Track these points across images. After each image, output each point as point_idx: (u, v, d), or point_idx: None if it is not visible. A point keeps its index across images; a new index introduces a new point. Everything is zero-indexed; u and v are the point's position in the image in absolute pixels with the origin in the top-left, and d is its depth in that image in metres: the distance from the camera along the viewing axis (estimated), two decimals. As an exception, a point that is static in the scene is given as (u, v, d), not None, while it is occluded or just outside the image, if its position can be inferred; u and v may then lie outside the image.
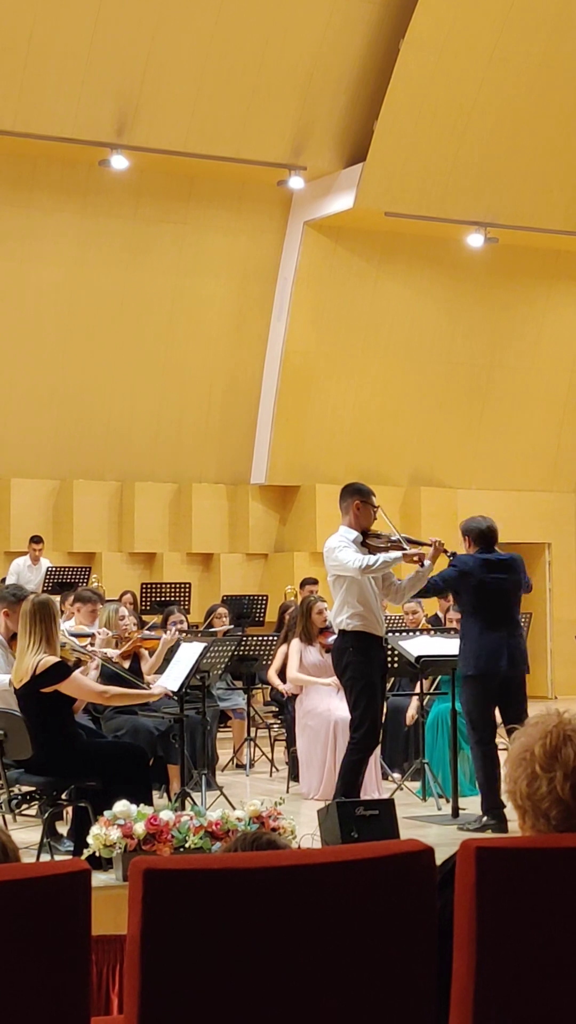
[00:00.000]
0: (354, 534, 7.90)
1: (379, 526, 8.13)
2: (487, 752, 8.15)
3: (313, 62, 15.46)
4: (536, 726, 2.70)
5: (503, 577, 8.35)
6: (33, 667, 6.95)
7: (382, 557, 7.76)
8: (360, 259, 16.75)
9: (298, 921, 2.31)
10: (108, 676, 8.51)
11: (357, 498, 7.97)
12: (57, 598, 9.10)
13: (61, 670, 6.98)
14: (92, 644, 8.77)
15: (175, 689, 8.36)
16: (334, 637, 8.17)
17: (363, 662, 7.77)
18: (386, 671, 8.31)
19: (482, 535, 8.41)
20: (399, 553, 7.82)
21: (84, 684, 7.16)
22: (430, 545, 8.12)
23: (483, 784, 8.16)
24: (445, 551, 8.10)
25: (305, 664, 9.84)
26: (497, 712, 8.36)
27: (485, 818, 8.08)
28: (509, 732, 2.81)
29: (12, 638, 8.08)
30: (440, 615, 12.31)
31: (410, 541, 8.10)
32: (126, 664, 9.39)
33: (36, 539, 14.83)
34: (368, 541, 7.91)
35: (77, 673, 7.16)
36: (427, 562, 8.07)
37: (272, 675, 10.50)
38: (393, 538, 7.97)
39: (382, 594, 8.02)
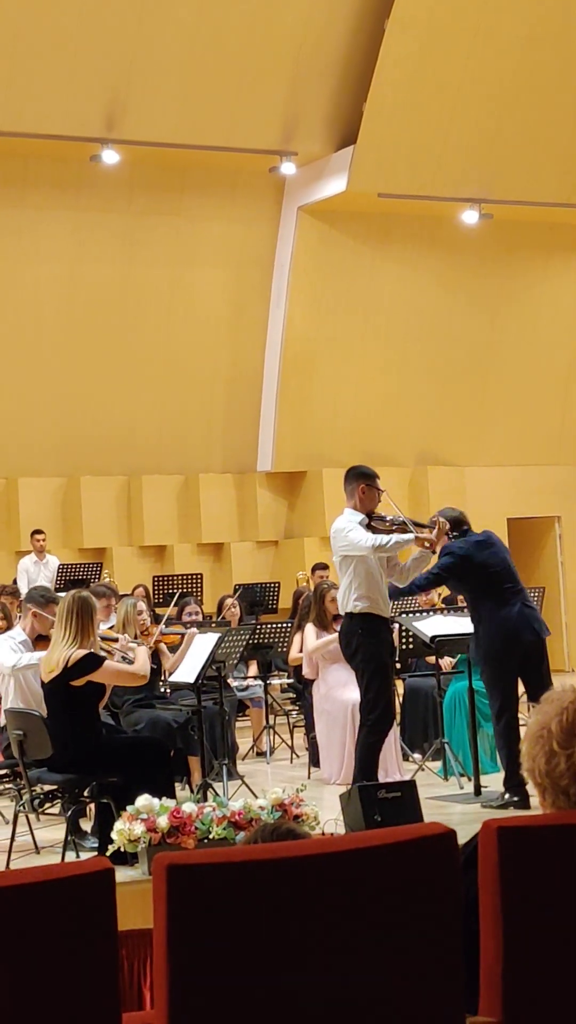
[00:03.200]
0: (360, 516, 7.92)
1: (383, 509, 8.15)
2: (510, 727, 8.15)
3: (299, 46, 15.41)
4: (552, 703, 2.70)
5: (497, 550, 8.38)
6: (65, 659, 7.00)
7: (395, 538, 7.80)
8: (356, 241, 16.71)
9: (323, 909, 2.31)
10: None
11: (362, 481, 8.00)
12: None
13: (93, 660, 7.04)
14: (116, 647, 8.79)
15: (191, 680, 8.40)
16: None
17: (373, 644, 7.78)
18: (394, 651, 8.32)
19: (457, 521, 8.42)
20: (411, 535, 7.87)
21: (116, 668, 7.27)
22: (433, 527, 8.16)
23: (506, 760, 8.17)
24: (448, 532, 8.11)
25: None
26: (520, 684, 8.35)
27: (507, 795, 8.09)
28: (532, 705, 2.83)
29: (37, 639, 8.11)
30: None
31: (414, 524, 8.13)
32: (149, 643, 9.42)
33: (37, 531, 14.88)
34: (373, 524, 7.94)
35: (110, 661, 7.22)
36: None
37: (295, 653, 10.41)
38: (398, 520, 7.99)
39: (387, 575, 8.04)
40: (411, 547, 8.14)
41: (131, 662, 8.82)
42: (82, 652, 7.03)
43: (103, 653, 7.77)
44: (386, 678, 7.82)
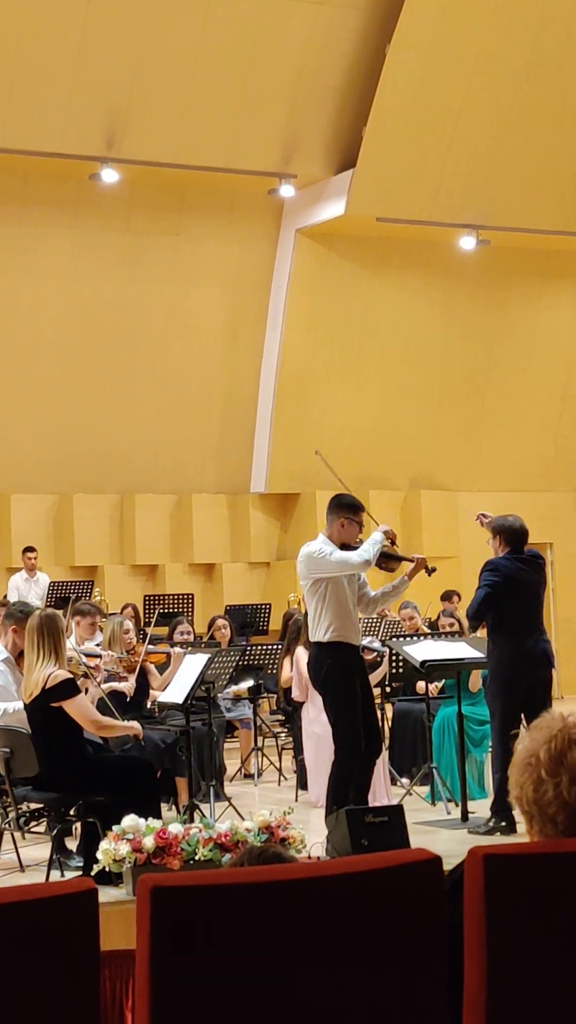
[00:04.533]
0: (332, 548, 7.69)
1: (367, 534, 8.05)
2: (506, 751, 8.11)
3: (300, 70, 15.48)
4: (541, 730, 2.69)
5: (537, 579, 8.35)
6: (43, 681, 6.95)
7: (369, 545, 7.62)
8: (353, 265, 16.76)
9: (306, 934, 2.30)
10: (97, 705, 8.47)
11: (344, 514, 7.78)
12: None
13: (69, 687, 6.98)
14: (98, 667, 8.77)
15: (179, 701, 8.39)
16: None
17: (341, 676, 7.60)
18: (367, 675, 8.18)
19: (515, 535, 8.35)
20: (378, 534, 7.70)
21: (84, 708, 7.11)
22: (411, 561, 8.01)
23: (497, 784, 8.13)
24: (427, 568, 7.96)
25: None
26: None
27: (493, 820, 8.07)
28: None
29: (20, 655, 8.07)
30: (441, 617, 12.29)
31: (391, 557, 7.97)
32: (132, 679, 9.40)
33: (29, 549, 14.84)
34: None
35: (83, 696, 7.14)
36: (405, 577, 7.96)
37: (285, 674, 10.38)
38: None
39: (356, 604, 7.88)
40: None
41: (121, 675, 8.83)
42: (62, 675, 6.97)
43: (82, 669, 7.73)
44: (353, 715, 7.59)
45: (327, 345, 16.82)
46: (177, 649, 9.77)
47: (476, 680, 9.72)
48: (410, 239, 16.68)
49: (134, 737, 7.76)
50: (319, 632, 7.67)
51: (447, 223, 16.33)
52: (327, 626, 7.63)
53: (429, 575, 8.00)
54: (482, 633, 8.65)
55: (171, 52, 14.84)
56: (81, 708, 7.04)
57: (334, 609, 7.63)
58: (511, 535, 8.36)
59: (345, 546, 7.74)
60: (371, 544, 7.66)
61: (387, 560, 7.89)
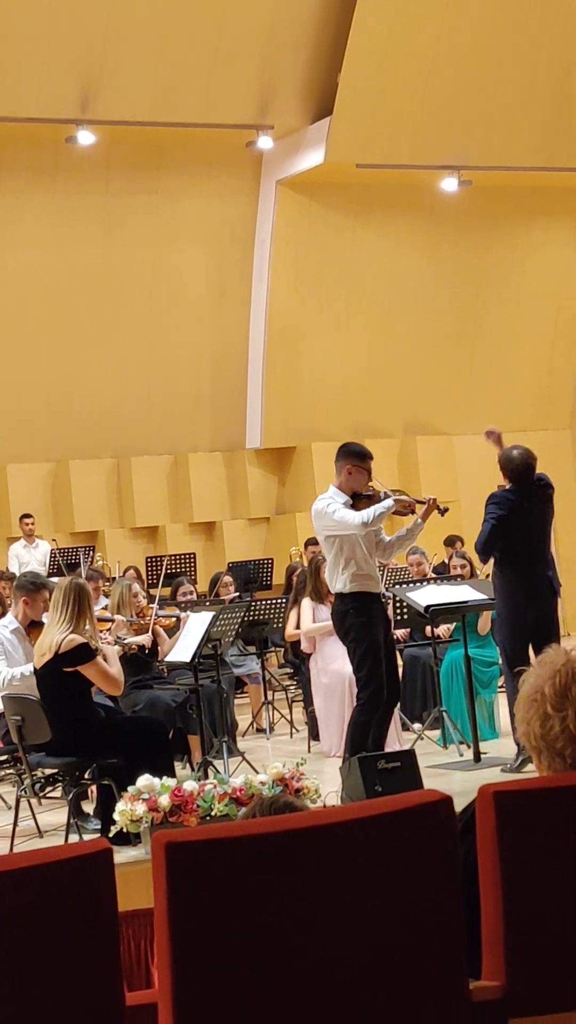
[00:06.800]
0: (343, 497, 7.79)
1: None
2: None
3: (272, 19, 15.32)
4: (545, 666, 2.70)
5: (542, 509, 8.34)
6: (57, 644, 6.98)
7: (377, 508, 7.68)
8: (336, 213, 16.65)
9: (322, 881, 2.31)
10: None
11: (350, 462, 7.84)
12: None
13: (86, 652, 7.02)
14: (110, 631, 8.79)
15: (187, 660, 8.42)
16: None
17: (364, 623, 7.71)
18: (389, 625, 8.26)
19: (516, 471, 8.31)
20: (391, 501, 7.74)
21: (103, 669, 7.16)
22: (424, 503, 8.04)
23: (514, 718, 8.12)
24: (439, 508, 8.00)
25: (318, 622, 9.84)
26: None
27: (522, 757, 8.02)
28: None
29: (30, 626, 8.10)
30: (446, 562, 12.35)
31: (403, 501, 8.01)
32: (142, 641, 9.42)
33: (26, 516, 14.87)
34: (358, 505, 7.81)
35: (100, 658, 7.18)
36: (419, 520, 7.99)
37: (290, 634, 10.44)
38: (385, 497, 7.87)
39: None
40: (403, 510, 8.01)
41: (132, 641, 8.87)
42: (76, 640, 7.00)
43: (103, 638, 7.76)
44: (377, 657, 7.71)
45: (314, 296, 16.74)
46: (187, 614, 9.79)
47: (485, 623, 9.74)
48: (392, 184, 16.57)
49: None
50: (339, 583, 7.76)
51: (428, 165, 16.20)
52: (346, 577, 7.73)
53: (442, 515, 8.06)
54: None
55: (141, 8, 14.67)
56: (99, 670, 7.10)
57: (351, 560, 7.74)
58: (511, 470, 8.35)
59: (356, 495, 7.79)
60: (377, 507, 7.67)
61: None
